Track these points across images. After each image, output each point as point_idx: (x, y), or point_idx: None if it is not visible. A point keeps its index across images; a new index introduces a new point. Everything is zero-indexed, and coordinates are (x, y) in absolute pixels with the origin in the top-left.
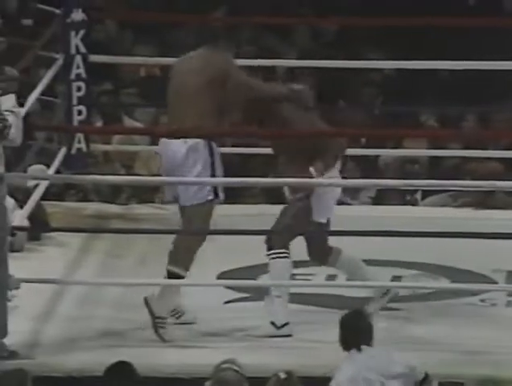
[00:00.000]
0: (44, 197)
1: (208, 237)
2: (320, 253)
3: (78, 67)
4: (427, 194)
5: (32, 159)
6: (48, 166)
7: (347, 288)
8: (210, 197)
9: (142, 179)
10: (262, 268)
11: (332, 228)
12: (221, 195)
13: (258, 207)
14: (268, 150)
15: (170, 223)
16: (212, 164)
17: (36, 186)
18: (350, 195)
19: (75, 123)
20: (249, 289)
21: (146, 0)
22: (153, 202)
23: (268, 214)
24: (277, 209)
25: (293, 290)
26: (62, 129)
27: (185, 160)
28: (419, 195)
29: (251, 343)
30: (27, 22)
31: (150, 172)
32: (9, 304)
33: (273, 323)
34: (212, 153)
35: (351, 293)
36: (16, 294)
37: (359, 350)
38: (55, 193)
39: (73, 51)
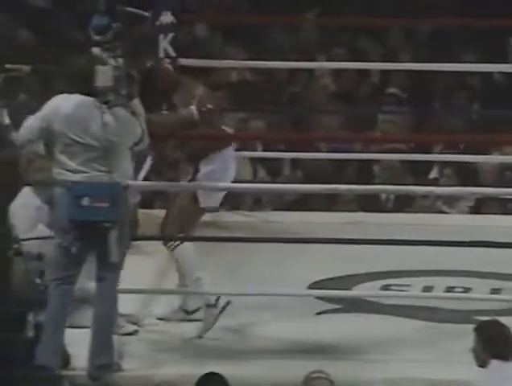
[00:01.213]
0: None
1: (301, 246)
2: None
3: None
4: None
5: None
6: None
7: (444, 300)
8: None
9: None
10: (356, 279)
11: (429, 238)
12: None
13: (353, 215)
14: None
15: (259, 231)
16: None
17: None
18: (448, 204)
19: None
20: (341, 300)
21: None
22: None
23: (364, 222)
24: (372, 217)
25: (388, 301)
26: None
27: None
28: None
29: (341, 355)
30: (115, 25)
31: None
32: None
33: (183, 309)
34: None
35: (448, 305)
36: None
37: (504, 359)
38: (142, 201)
39: (162, 54)
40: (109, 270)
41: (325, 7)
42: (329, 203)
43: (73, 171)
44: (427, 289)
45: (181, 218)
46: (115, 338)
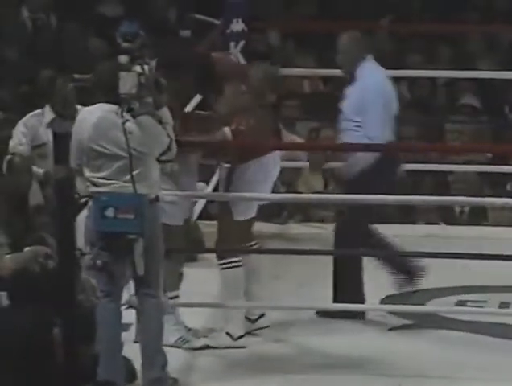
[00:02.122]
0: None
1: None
2: None
3: None
4: None
5: None
6: (207, 183)
7: None
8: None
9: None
10: (431, 293)
11: (506, 253)
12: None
13: (427, 228)
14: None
15: (329, 244)
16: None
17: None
18: None
19: None
20: (414, 315)
21: (300, 7)
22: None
23: (437, 235)
24: (449, 229)
25: (465, 317)
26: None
27: None
28: None
29: (412, 372)
30: (186, 33)
31: (311, 189)
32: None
33: (229, 334)
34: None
35: None
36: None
37: None
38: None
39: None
40: (144, 285)
41: (400, 13)
42: (404, 214)
43: (101, 182)
44: (504, 305)
45: (228, 233)
46: (184, 353)
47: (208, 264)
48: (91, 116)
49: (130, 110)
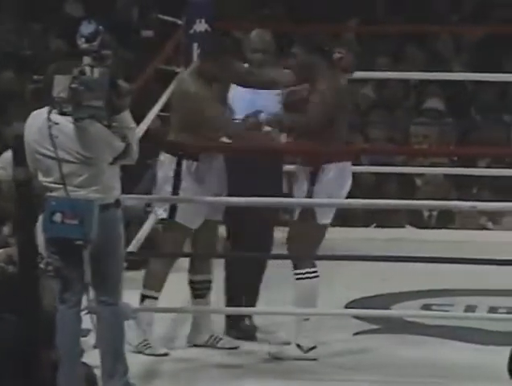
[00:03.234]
0: None
1: (340, 263)
2: None
3: None
4: None
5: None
6: None
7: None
8: (161, 216)
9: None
10: (397, 297)
11: (472, 256)
12: (180, 216)
13: (394, 232)
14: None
15: None
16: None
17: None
18: (492, 220)
19: None
20: (379, 319)
21: (269, 8)
22: None
23: (406, 239)
24: (416, 233)
25: (431, 322)
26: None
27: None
28: None
29: (380, 378)
30: (148, 33)
31: None
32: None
33: (299, 346)
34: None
35: (491, 326)
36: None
37: None
38: None
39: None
40: (100, 291)
41: (365, 15)
42: (369, 218)
43: (52, 187)
44: (470, 308)
45: (308, 237)
46: (146, 358)
47: (176, 268)
48: (37, 119)
49: (62, 113)
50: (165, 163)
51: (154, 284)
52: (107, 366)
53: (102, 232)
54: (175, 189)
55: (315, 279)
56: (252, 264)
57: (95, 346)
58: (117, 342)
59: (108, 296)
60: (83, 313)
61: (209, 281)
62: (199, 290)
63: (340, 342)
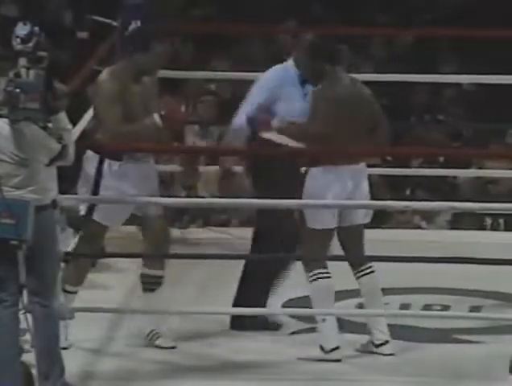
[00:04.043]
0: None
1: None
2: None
3: None
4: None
5: None
6: None
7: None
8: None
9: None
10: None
11: (405, 254)
12: (97, 215)
13: None
14: None
15: (232, 248)
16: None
17: None
18: (426, 219)
19: None
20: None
21: (209, 10)
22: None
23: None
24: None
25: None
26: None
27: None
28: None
29: (312, 375)
30: (82, 35)
31: (211, 194)
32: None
33: (321, 347)
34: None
35: (425, 323)
36: (70, 324)
37: None
38: None
39: None
40: (33, 292)
41: (300, 17)
42: None
43: None
44: (405, 306)
45: (304, 241)
46: (85, 358)
47: (108, 269)
48: None
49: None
50: (88, 160)
51: (75, 278)
52: (42, 367)
53: (38, 233)
54: (96, 187)
55: (329, 279)
56: (273, 266)
57: (32, 346)
58: (51, 344)
59: (42, 297)
60: (20, 312)
61: (160, 277)
62: (148, 284)
63: (275, 341)
